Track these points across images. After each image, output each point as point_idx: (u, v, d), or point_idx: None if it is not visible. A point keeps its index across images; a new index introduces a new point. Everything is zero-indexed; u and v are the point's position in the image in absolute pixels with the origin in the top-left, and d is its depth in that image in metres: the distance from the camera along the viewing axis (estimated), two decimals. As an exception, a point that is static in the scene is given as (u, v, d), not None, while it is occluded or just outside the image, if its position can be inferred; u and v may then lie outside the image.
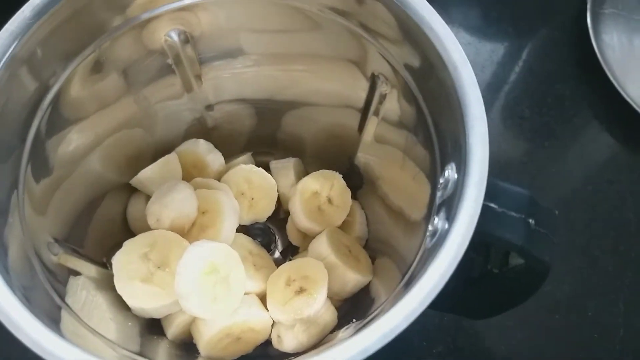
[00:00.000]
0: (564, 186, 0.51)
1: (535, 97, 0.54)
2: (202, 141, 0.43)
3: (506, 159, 0.51)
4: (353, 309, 0.39)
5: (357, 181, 0.44)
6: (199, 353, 0.36)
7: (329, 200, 0.42)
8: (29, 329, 0.22)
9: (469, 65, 0.26)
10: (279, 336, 0.37)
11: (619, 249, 0.48)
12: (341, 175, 0.43)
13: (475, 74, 0.26)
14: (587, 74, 0.54)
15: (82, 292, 0.32)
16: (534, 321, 0.45)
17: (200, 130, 0.44)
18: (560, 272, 0.46)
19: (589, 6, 0.53)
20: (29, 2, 0.28)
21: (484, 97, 0.25)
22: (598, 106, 0.54)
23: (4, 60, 0.26)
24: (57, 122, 0.31)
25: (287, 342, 0.37)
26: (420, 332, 0.43)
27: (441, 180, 0.27)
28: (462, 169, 0.25)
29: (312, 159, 0.46)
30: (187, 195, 0.37)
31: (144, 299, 0.33)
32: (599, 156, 0.53)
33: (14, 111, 0.28)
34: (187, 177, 0.41)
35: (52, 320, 0.26)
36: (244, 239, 0.40)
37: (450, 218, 0.24)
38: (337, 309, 0.38)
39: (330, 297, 0.38)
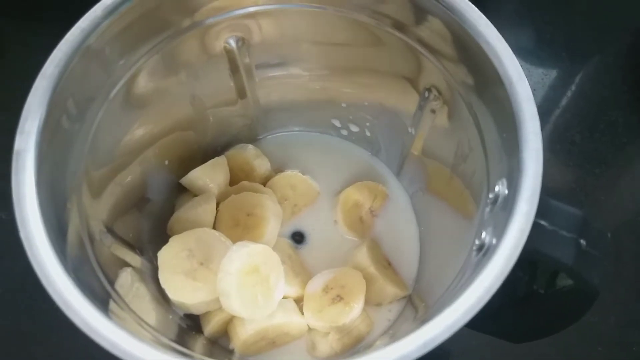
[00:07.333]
0: (614, 215, 0.49)
1: (586, 123, 0.53)
2: (250, 146, 0.44)
3: (554, 184, 0.50)
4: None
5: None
6: (233, 351, 0.36)
7: (371, 212, 0.42)
8: (80, 309, 0.23)
9: (525, 80, 0.25)
10: (313, 343, 0.37)
11: (669, 284, 0.46)
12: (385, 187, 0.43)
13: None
14: (641, 101, 0.53)
15: (128, 282, 0.33)
16: (575, 352, 0.43)
17: (250, 136, 0.45)
18: (605, 303, 0.44)
19: (646, 33, 0.52)
20: (101, 1, 0.29)
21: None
22: (652, 135, 0.52)
23: (75, 54, 0.28)
24: (120, 115, 0.32)
25: (321, 349, 0.37)
26: (454, 352, 0.42)
27: (490, 196, 0.27)
28: (513, 184, 0.24)
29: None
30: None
31: (186, 293, 0.34)
32: (652, 187, 0.51)
33: (82, 103, 0.29)
34: (234, 179, 0.42)
35: (102, 303, 0.27)
36: (285, 243, 0.41)
37: (498, 233, 0.24)
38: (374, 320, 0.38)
39: (366, 307, 0.37)
